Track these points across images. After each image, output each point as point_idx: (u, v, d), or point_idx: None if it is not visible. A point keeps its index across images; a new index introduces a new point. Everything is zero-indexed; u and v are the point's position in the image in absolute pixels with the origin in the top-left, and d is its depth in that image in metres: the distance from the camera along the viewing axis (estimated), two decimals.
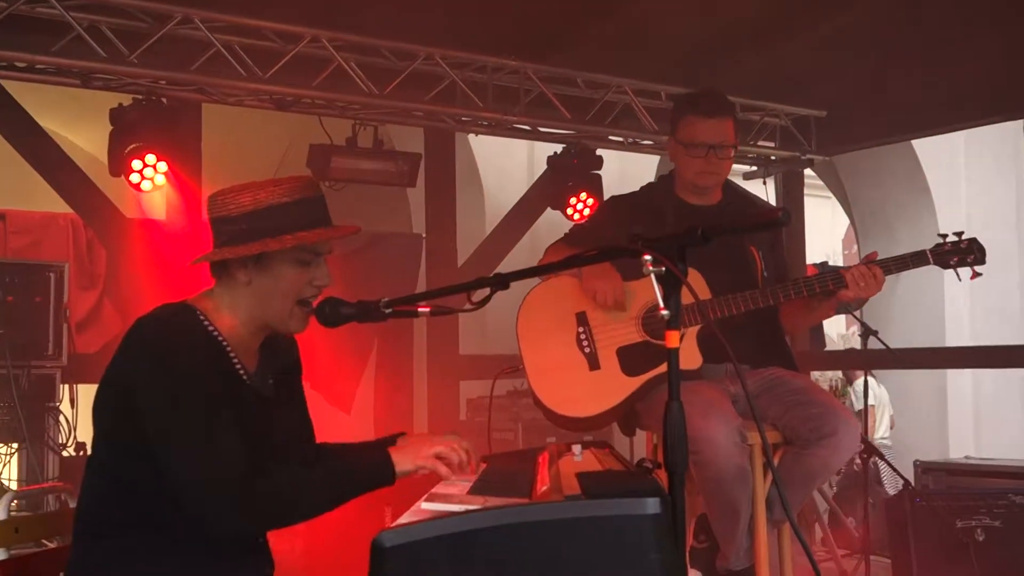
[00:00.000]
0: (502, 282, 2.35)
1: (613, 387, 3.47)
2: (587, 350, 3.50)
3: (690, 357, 3.42)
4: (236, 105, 5.19)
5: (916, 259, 3.45)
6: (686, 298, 3.33)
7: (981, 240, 3.46)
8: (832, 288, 3.41)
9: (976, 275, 3.46)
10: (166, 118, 5.02)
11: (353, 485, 2.37)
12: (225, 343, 2.37)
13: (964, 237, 3.44)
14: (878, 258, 3.47)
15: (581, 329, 3.51)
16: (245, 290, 2.39)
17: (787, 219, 2.10)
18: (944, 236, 3.47)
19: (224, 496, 2.21)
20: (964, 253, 3.43)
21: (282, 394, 2.54)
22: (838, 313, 3.74)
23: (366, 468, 2.39)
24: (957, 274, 3.48)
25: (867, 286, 3.38)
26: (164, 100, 5.04)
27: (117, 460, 2.33)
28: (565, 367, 3.50)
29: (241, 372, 2.39)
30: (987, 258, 3.45)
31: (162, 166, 4.99)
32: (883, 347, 6.09)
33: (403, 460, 2.37)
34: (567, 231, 3.95)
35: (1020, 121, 9.58)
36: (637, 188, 3.88)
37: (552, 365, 3.51)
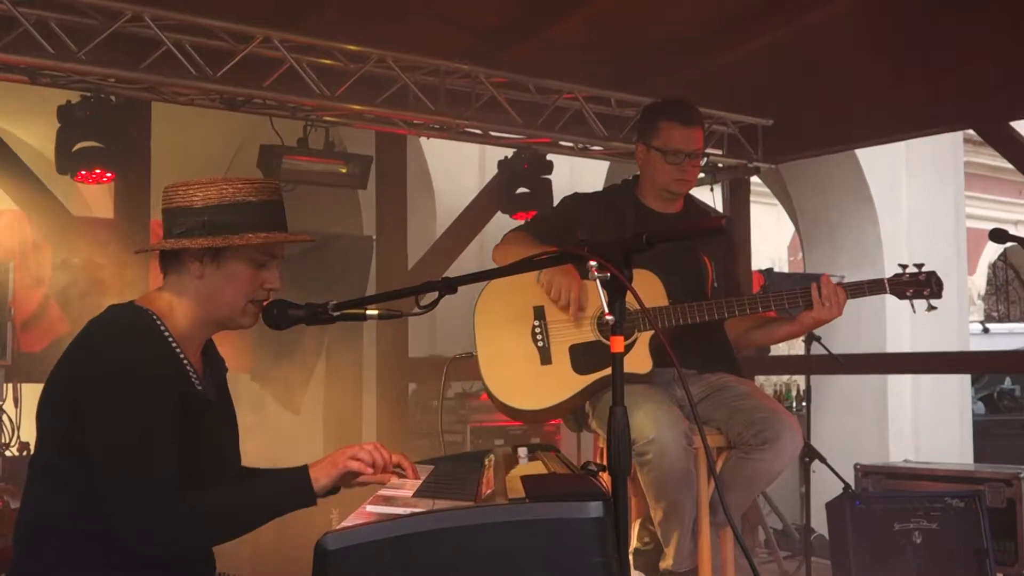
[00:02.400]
0: (450, 286, 2.35)
1: (562, 383, 3.49)
2: (540, 344, 3.52)
3: (641, 361, 3.45)
4: (186, 104, 5.13)
5: (873, 287, 3.49)
6: (647, 304, 3.38)
7: (922, 253, 3.50)
8: (789, 307, 3.45)
9: (932, 308, 3.48)
10: (115, 116, 4.95)
11: (275, 508, 2.31)
12: (178, 348, 2.33)
13: (923, 271, 3.46)
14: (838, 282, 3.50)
15: (537, 323, 3.53)
16: (195, 283, 2.36)
17: (729, 228, 2.12)
18: (904, 267, 3.50)
19: (146, 521, 2.18)
20: (921, 286, 3.47)
21: (222, 403, 2.51)
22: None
23: (284, 489, 2.35)
24: (912, 305, 3.50)
25: (830, 308, 3.42)
26: (113, 98, 4.97)
27: (60, 463, 2.28)
28: (517, 359, 3.52)
29: (193, 377, 2.36)
30: (942, 287, 3.47)
31: (108, 164, 4.92)
32: (826, 352, 6.17)
33: (320, 476, 2.32)
34: (528, 220, 3.97)
35: (960, 133, 9.78)
36: (592, 191, 3.92)
37: (504, 356, 3.53)
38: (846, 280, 3.51)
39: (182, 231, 2.33)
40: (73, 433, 2.23)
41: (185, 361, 2.35)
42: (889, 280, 3.47)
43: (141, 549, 2.19)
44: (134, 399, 2.20)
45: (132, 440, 2.18)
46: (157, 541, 2.19)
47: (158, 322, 2.32)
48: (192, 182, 2.36)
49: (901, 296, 3.48)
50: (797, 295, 3.46)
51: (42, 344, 5.66)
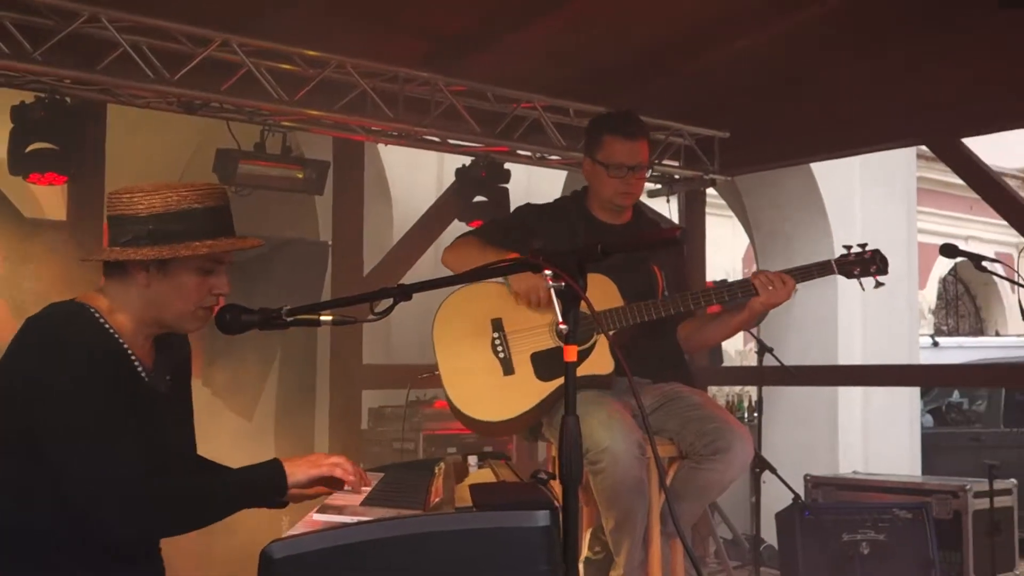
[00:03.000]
0: (404, 293, 2.35)
1: (526, 392, 3.50)
2: (501, 355, 3.52)
3: (603, 363, 3.48)
4: (142, 107, 5.07)
5: (821, 269, 3.54)
6: (602, 305, 3.40)
7: None
8: (742, 296, 3.48)
9: (879, 284, 3.54)
10: (69, 117, 4.89)
11: (247, 494, 2.33)
12: (122, 340, 2.31)
13: (867, 248, 3.54)
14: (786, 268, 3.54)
15: (496, 335, 3.54)
16: (141, 292, 2.34)
17: (683, 239, 2.14)
18: (848, 247, 3.56)
19: (122, 497, 2.16)
20: (867, 263, 3.54)
21: (177, 393, 2.49)
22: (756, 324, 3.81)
23: (260, 478, 2.35)
24: (860, 284, 3.57)
25: (776, 291, 3.44)
26: (68, 99, 4.90)
27: (4, 464, 2.25)
28: (479, 371, 3.52)
29: (139, 370, 2.34)
30: (888, 265, 3.55)
31: (62, 166, 4.85)
32: (778, 364, 6.23)
33: (296, 472, 2.34)
34: (480, 226, 3.97)
35: (913, 148, 9.92)
36: (543, 202, 3.92)
37: (466, 369, 3.52)
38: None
39: (127, 240, 2.31)
40: (15, 428, 2.20)
41: (130, 353, 2.32)
42: (836, 261, 3.53)
43: (115, 529, 2.17)
44: (86, 384, 2.19)
45: (95, 423, 2.17)
46: (137, 518, 2.19)
47: (99, 317, 2.31)
48: (136, 189, 2.33)
49: (849, 275, 3.54)
50: (737, 288, 3.49)
51: None
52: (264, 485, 2.34)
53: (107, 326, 2.31)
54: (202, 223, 2.33)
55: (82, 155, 5.01)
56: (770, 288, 3.44)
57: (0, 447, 2.26)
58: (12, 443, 2.23)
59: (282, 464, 2.34)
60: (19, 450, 2.22)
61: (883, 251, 3.60)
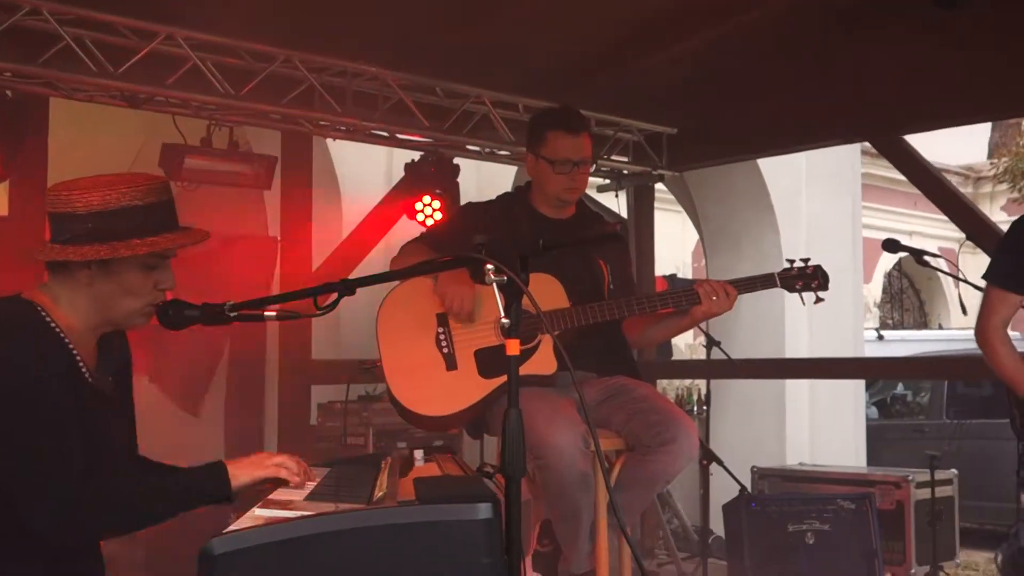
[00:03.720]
0: (349, 288, 2.34)
1: (469, 388, 3.50)
2: (445, 350, 3.51)
3: (546, 363, 3.48)
4: (86, 101, 5.01)
5: (764, 281, 3.57)
6: (547, 307, 3.41)
7: (820, 261, 3.58)
8: (686, 304, 3.50)
9: (819, 300, 3.57)
10: (10, 111, 4.80)
11: (189, 497, 2.31)
12: (67, 339, 2.28)
13: (810, 264, 3.55)
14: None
15: (441, 329, 3.53)
16: (85, 290, 2.31)
17: (623, 233, 2.15)
18: (792, 261, 3.57)
19: (60, 499, 2.14)
20: (809, 279, 3.55)
21: (119, 394, 2.47)
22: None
23: (201, 481, 2.33)
24: (801, 298, 3.59)
25: (719, 301, 3.47)
26: (9, 93, 4.82)
27: None
28: (422, 366, 3.50)
29: (83, 370, 2.31)
30: (828, 280, 3.57)
31: (3, 160, 4.77)
32: (725, 357, 6.29)
33: (239, 473, 2.31)
34: (423, 232, 3.97)
35: (858, 145, 10.04)
36: (494, 196, 3.92)
37: (409, 363, 3.51)
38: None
39: (67, 238, 2.28)
40: None
41: (75, 353, 2.30)
42: (779, 274, 3.56)
43: (53, 531, 2.15)
44: (26, 383, 2.16)
45: (34, 423, 2.15)
46: (74, 521, 2.16)
47: (44, 315, 2.28)
48: (74, 185, 2.30)
49: (791, 289, 3.57)
50: (682, 296, 3.52)
51: None
52: (207, 488, 2.31)
53: (52, 324, 2.28)
54: (143, 219, 2.30)
55: (24, 149, 4.93)
56: (713, 298, 3.46)
57: None
58: None
59: (225, 466, 2.32)
60: None
61: (830, 246, 3.64)
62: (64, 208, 2.28)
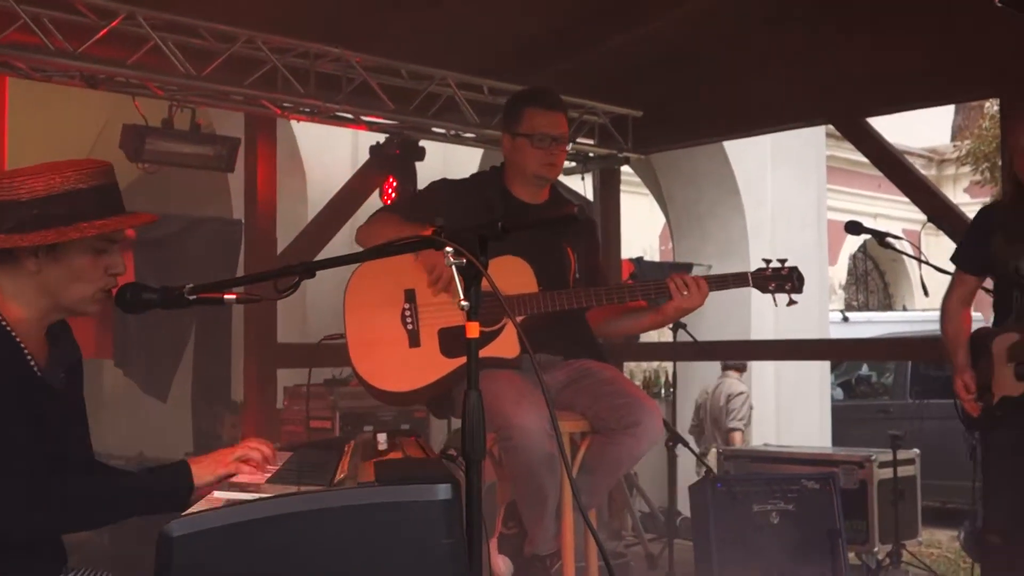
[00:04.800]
0: (308, 270, 2.33)
1: (429, 366, 3.49)
2: (410, 327, 3.50)
3: (509, 346, 3.48)
4: (43, 81, 4.94)
5: (737, 280, 3.54)
6: (516, 290, 3.40)
7: (786, 244, 3.58)
8: (655, 296, 3.50)
9: (792, 303, 3.55)
10: None
11: (148, 499, 2.28)
12: (14, 333, 2.25)
13: (786, 265, 3.53)
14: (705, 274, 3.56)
15: (407, 306, 3.51)
16: (33, 278, 2.28)
17: (582, 215, 2.15)
18: (767, 261, 3.55)
19: (13, 496, 2.11)
20: (783, 280, 3.53)
21: (71, 391, 2.44)
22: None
23: (163, 482, 2.30)
24: (774, 299, 3.56)
25: (691, 295, 3.46)
26: None
27: None
28: (385, 341, 3.49)
29: (32, 365, 2.28)
30: (803, 282, 3.55)
31: None
32: (691, 339, 6.32)
33: (203, 472, 2.29)
34: (395, 201, 3.95)
35: (823, 128, 10.10)
36: (455, 179, 3.91)
37: (373, 338, 3.50)
38: (713, 271, 3.58)
39: (11, 226, 2.23)
40: None
41: (22, 347, 2.27)
42: (752, 274, 3.53)
43: (8, 526, 2.12)
44: None
45: None
46: (19, 523, 2.13)
47: None
48: (17, 173, 2.27)
49: (763, 290, 3.54)
50: (652, 289, 3.52)
51: None
52: (169, 492, 2.28)
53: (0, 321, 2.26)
54: (89, 203, 2.27)
55: None
56: (684, 292, 3.44)
57: None
58: None
59: (189, 467, 2.30)
60: None
61: (795, 228, 3.64)
62: (7, 195, 2.24)
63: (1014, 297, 3.90)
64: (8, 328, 2.25)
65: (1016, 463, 3.93)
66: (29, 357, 2.28)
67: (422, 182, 5.92)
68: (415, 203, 3.85)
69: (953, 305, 4.08)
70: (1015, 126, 3.93)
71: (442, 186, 3.87)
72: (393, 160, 6.11)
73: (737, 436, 7.75)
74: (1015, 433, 3.87)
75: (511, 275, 3.42)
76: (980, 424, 3.98)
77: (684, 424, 6.79)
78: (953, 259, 4.16)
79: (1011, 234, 3.86)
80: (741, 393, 8.50)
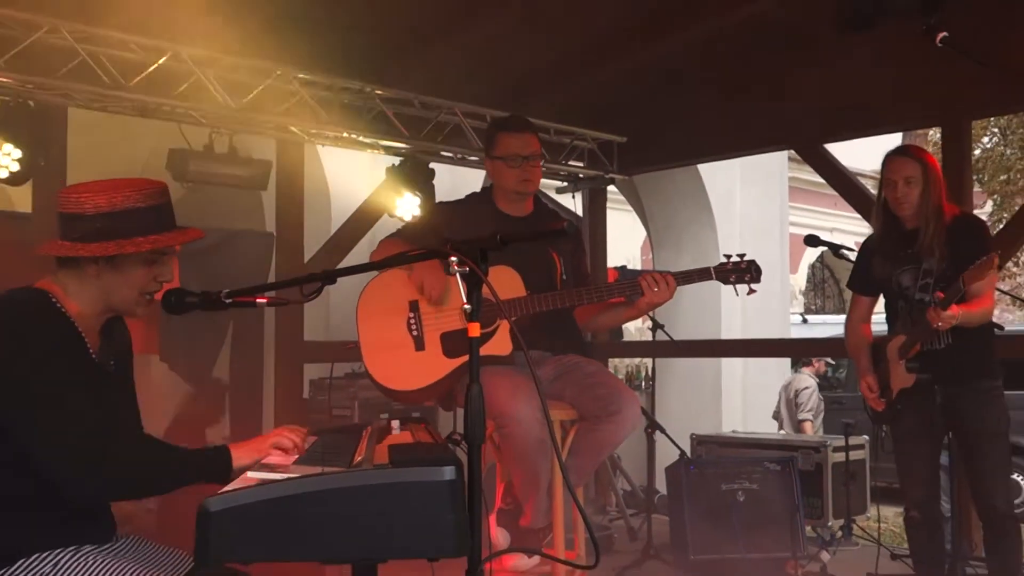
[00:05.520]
0: (330, 277, 2.34)
1: (434, 366, 3.49)
2: (415, 333, 3.51)
3: (503, 345, 3.48)
4: (100, 111, 4.96)
5: (700, 274, 3.52)
6: (507, 295, 3.41)
7: (752, 255, 3.58)
8: (630, 294, 3.50)
9: (752, 291, 3.56)
10: (33, 119, 4.75)
11: (194, 473, 2.30)
12: (75, 323, 2.28)
13: (745, 259, 3.52)
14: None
15: (412, 315, 3.52)
16: (92, 282, 2.30)
17: (571, 230, 2.16)
18: (728, 256, 3.55)
19: (85, 462, 2.13)
20: (742, 272, 3.52)
21: (121, 374, 2.46)
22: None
23: (207, 460, 2.32)
24: (735, 289, 3.56)
25: (660, 291, 3.45)
26: (32, 103, 4.77)
27: None
28: (395, 346, 3.49)
29: (90, 350, 2.30)
30: (761, 273, 3.55)
31: (17, 153, 4.71)
32: (669, 339, 6.32)
33: (242, 456, 2.32)
34: (399, 228, 3.96)
35: (785, 152, 10.11)
36: (455, 199, 3.92)
37: (384, 344, 3.50)
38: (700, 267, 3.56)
39: (77, 236, 2.26)
40: None
41: (82, 335, 2.29)
42: (715, 268, 3.53)
43: (78, 490, 2.14)
44: (46, 362, 2.15)
45: (58, 396, 2.13)
46: (98, 481, 2.15)
47: (54, 300, 2.27)
48: (83, 188, 2.29)
49: (725, 281, 3.53)
50: (627, 287, 3.52)
51: None
52: (210, 470, 2.31)
53: (63, 310, 2.27)
54: (145, 220, 2.29)
55: (46, 154, 4.87)
56: (655, 289, 3.44)
57: None
58: None
59: (229, 452, 2.32)
60: None
61: (760, 241, 3.65)
62: (74, 209, 2.27)
63: (899, 306, 3.97)
64: (71, 319, 2.27)
65: (917, 446, 3.98)
66: (88, 344, 2.31)
67: (438, 196, 5.95)
68: (418, 228, 3.85)
69: (852, 324, 4.21)
70: (887, 161, 3.97)
71: (440, 209, 3.89)
72: (407, 180, 6.11)
73: (807, 426, 7.61)
74: (912, 420, 3.93)
75: (502, 282, 3.43)
76: (884, 418, 4.03)
77: (661, 413, 6.78)
78: (848, 285, 4.27)
79: (887, 256, 3.97)
80: (807, 388, 8.42)
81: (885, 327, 4.11)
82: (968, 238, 3.82)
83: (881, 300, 4.16)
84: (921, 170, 3.86)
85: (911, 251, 3.90)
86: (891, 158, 3.98)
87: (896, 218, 3.97)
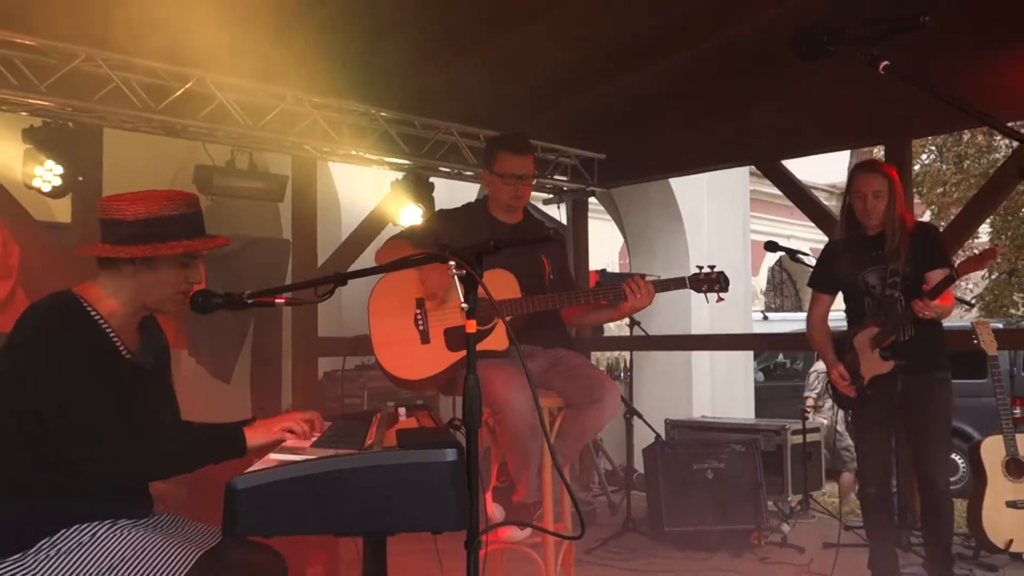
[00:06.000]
0: (341, 279, 2.33)
1: (438, 358, 3.48)
2: (421, 328, 3.50)
3: (499, 340, 3.47)
4: (132, 131, 4.95)
5: (676, 283, 3.51)
6: (503, 296, 3.41)
7: (718, 259, 3.59)
8: (614, 298, 3.50)
9: (720, 300, 3.56)
10: (71, 139, 4.73)
11: (210, 454, 2.29)
12: (105, 324, 2.26)
13: (715, 270, 3.53)
14: (648, 278, 3.56)
15: (418, 312, 3.51)
16: (129, 281, 2.29)
17: (556, 237, 2.15)
18: (700, 268, 3.54)
19: (108, 457, 2.12)
20: (713, 282, 3.52)
21: (158, 370, 2.44)
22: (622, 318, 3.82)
23: (222, 441, 2.32)
24: (706, 297, 3.56)
25: (641, 297, 3.45)
26: (71, 124, 4.75)
27: (10, 419, 2.19)
28: (402, 340, 3.48)
29: (121, 348, 2.29)
30: (729, 283, 3.54)
31: (57, 169, 4.69)
32: (644, 334, 6.33)
33: (255, 436, 2.31)
34: (403, 230, 3.95)
35: (746, 168, 10.13)
36: (454, 207, 3.92)
37: (392, 338, 3.49)
38: (660, 278, 3.57)
39: (117, 239, 2.26)
40: (17, 394, 2.15)
41: (112, 334, 2.27)
42: (689, 278, 3.53)
43: (106, 473, 2.14)
44: (72, 360, 2.14)
45: (78, 399, 2.12)
46: (118, 476, 2.15)
47: (85, 304, 2.26)
48: (123, 197, 2.28)
49: (697, 290, 3.53)
50: (611, 291, 3.52)
51: (10, 326, 5.36)
52: (225, 448, 2.30)
53: (92, 313, 2.26)
54: (179, 226, 2.28)
55: (84, 170, 4.86)
56: (637, 296, 3.45)
57: (9, 407, 2.20)
58: (18, 404, 2.17)
59: (243, 431, 2.32)
60: (24, 410, 2.16)
61: (725, 247, 3.65)
62: (115, 215, 2.26)
63: (865, 303, 4.00)
64: (97, 317, 2.25)
65: (880, 431, 4.01)
66: (117, 341, 2.29)
67: (436, 207, 5.94)
68: (420, 231, 3.84)
69: (815, 320, 4.20)
70: (856, 176, 3.98)
71: (440, 216, 3.88)
72: (408, 192, 6.10)
73: (808, 401, 7.61)
74: (878, 407, 3.95)
75: (499, 283, 3.42)
76: (853, 404, 4.03)
77: (639, 401, 6.78)
78: (810, 284, 4.27)
79: (853, 258, 4.00)
80: (814, 371, 8.38)
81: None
82: (927, 242, 3.92)
83: (838, 299, 4.19)
84: (887, 184, 3.90)
85: (876, 253, 3.94)
86: (860, 173, 3.98)
87: (860, 224, 3.99)
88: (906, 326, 3.84)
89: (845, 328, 4.10)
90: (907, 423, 3.97)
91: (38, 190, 4.73)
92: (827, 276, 4.15)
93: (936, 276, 3.75)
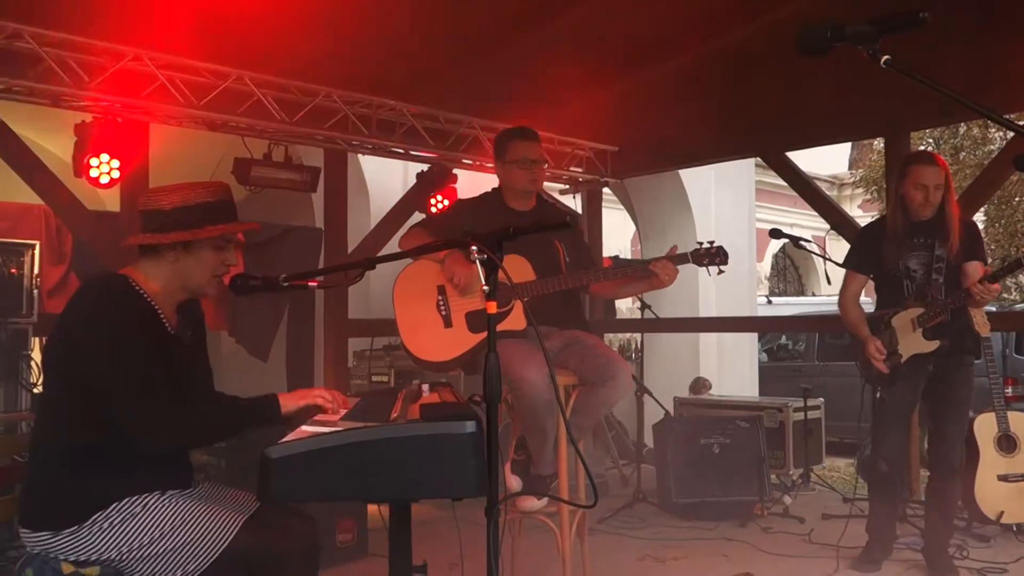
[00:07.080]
0: (370, 264, 2.35)
1: (460, 340, 3.49)
2: (443, 313, 3.51)
3: (517, 321, 3.48)
4: (176, 126, 4.96)
5: (680, 259, 3.54)
6: (519, 279, 3.41)
7: (724, 246, 3.58)
8: (640, 273, 3.50)
9: (721, 272, 3.57)
10: (120, 133, 4.75)
11: (249, 418, 2.32)
12: (152, 302, 2.29)
13: (715, 245, 3.55)
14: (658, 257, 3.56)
15: (440, 298, 3.52)
16: (170, 266, 2.32)
17: (572, 222, 2.15)
18: (701, 243, 3.57)
19: (154, 421, 2.13)
20: (713, 256, 3.54)
21: (196, 344, 2.47)
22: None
23: (259, 406, 2.34)
24: (708, 270, 3.57)
25: (668, 277, 3.47)
26: (119, 119, 4.77)
27: (62, 394, 2.22)
28: (426, 324, 3.50)
29: (166, 325, 2.31)
30: (728, 257, 3.57)
31: (115, 163, 4.72)
32: (654, 316, 6.31)
33: (288, 402, 2.34)
34: (423, 219, 3.96)
35: (752, 159, 10.05)
36: (472, 197, 3.92)
37: (417, 322, 3.50)
38: (678, 252, 3.56)
39: (156, 228, 2.28)
40: (71, 367, 2.17)
41: (159, 311, 2.30)
42: (692, 253, 3.55)
43: (151, 444, 2.14)
44: (124, 334, 2.16)
45: (133, 363, 2.14)
46: (168, 437, 2.16)
47: (133, 284, 2.29)
48: (160, 190, 2.32)
49: (700, 264, 3.55)
50: (635, 266, 3.54)
51: (63, 307, 5.42)
52: (262, 413, 2.33)
53: (141, 292, 2.29)
54: (214, 213, 2.31)
55: (132, 162, 4.87)
56: (664, 278, 3.47)
57: (63, 382, 2.22)
58: (71, 378, 2.19)
59: (277, 397, 2.35)
60: (72, 383, 2.18)
61: (732, 234, 3.65)
62: (154, 206, 2.29)
63: (905, 286, 3.95)
64: (146, 296, 2.28)
65: (903, 409, 3.99)
66: (164, 319, 2.32)
67: (459, 195, 5.94)
68: (440, 220, 3.85)
69: (849, 298, 4.12)
70: (912, 170, 3.91)
71: (459, 205, 3.88)
72: (433, 183, 6.10)
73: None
74: (907, 386, 3.92)
75: (515, 268, 3.43)
76: (883, 380, 3.97)
77: (649, 379, 6.77)
78: (845, 264, 4.19)
79: (898, 243, 3.96)
80: None
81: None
82: (972, 236, 3.92)
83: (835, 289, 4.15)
84: (945, 177, 3.88)
85: (919, 240, 3.91)
86: (922, 165, 3.91)
87: (906, 211, 3.93)
88: (947, 310, 3.80)
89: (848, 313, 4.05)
90: (931, 401, 3.94)
91: (96, 181, 4.76)
92: (867, 258, 4.08)
93: (973, 268, 3.77)
